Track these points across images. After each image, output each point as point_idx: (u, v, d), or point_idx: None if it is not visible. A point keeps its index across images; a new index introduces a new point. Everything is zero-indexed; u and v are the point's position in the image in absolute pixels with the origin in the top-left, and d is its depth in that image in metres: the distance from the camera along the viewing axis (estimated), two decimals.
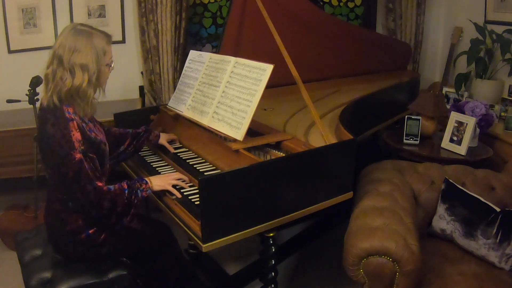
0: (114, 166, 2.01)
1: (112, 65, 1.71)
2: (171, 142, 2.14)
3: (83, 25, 1.63)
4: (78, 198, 1.56)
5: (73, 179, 1.53)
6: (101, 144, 1.67)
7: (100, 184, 1.56)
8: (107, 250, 1.67)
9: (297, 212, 1.67)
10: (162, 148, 2.10)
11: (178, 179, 1.75)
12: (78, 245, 1.63)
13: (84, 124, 1.62)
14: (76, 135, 1.54)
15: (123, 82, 3.11)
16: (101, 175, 1.64)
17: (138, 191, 1.64)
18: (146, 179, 1.69)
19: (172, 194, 1.69)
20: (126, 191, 1.61)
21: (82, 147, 1.55)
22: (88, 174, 1.54)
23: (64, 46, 1.56)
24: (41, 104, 1.65)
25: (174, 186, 1.72)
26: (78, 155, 1.52)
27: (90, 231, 1.63)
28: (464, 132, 2.53)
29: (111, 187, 1.60)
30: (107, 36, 1.67)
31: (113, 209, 1.58)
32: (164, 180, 1.72)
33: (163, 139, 2.10)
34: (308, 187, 1.69)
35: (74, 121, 1.56)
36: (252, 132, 1.89)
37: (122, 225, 1.65)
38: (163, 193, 1.73)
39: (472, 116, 2.58)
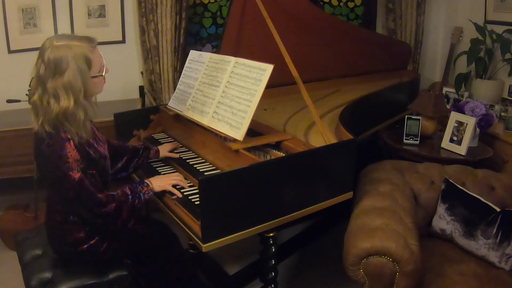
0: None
1: (104, 73, 1.59)
2: (172, 149, 2.07)
3: (59, 38, 1.50)
4: (81, 214, 1.55)
5: (74, 199, 1.50)
6: (100, 159, 1.60)
7: (102, 196, 1.53)
8: (109, 256, 1.66)
9: (297, 212, 1.67)
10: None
11: (178, 179, 1.75)
12: (80, 254, 1.63)
13: (82, 140, 1.52)
14: (74, 155, 1.47)
15: (123, 82, 3.10)
16: (103, 186, 1.61)
17: (141, 194, 1.64)
18: (146, 181, 1.69)
19: (172, 194, 1.69)
20: (130, 197, 1.60)
21: (81, 166, 1.49)
22: (90, 190, 1.50)
23: (45, 69, 1.46)
24: (34, 130, 1.54)
25: (174, 186, 1.72)
26: (78, 175, 1.47)
27: (92, 241, 1.61)
28: (464, 132, 2.53)
29: (115, 194, 1.58)
30: (90, 42, 1.53)
31: (119, 216, 1.57)
32: (164, 180, 1.72)
33: (164, 151, 2.02)
34: (308, 187, 1.69)
35: (71, 141, 1.48)
36: (252, 132, 1.89)
37: (125, 229, 1.65)
38: (163, 193, 1.73)
39: (472, 116, 2.58)
